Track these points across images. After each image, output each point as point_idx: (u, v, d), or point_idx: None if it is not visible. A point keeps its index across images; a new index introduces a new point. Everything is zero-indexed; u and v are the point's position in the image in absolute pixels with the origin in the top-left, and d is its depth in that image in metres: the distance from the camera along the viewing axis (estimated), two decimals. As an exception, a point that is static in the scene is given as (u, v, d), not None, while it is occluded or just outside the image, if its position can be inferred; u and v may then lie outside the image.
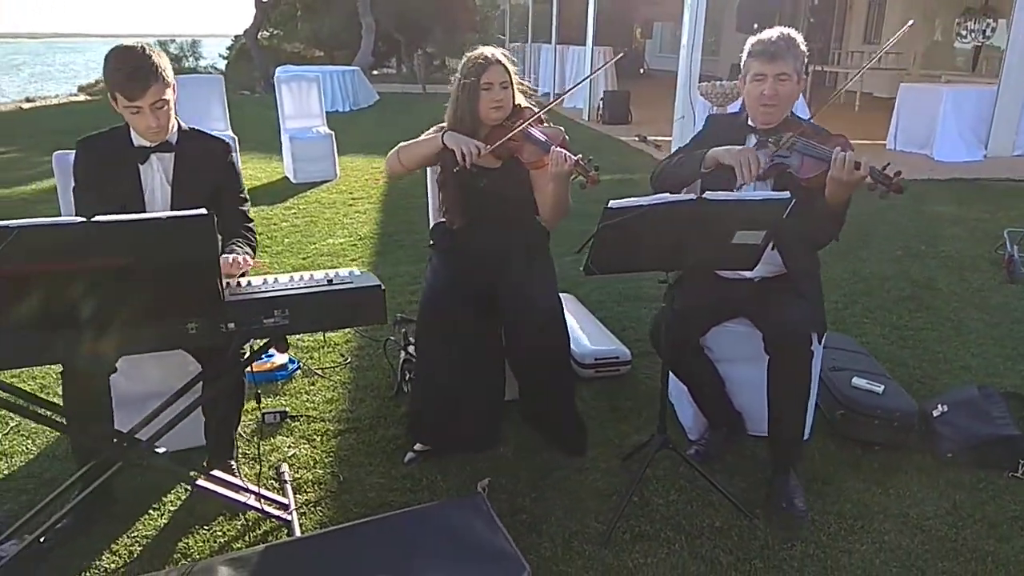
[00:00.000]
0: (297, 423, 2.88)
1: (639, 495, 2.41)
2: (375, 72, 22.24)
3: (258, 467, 2.53)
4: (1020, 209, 6.02)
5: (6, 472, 2.55)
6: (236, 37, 26.91)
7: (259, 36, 24.80)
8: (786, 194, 1.99)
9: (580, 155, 2.45)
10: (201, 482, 2.18)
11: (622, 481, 2.51)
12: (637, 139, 9.95)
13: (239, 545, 2.20)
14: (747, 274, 2.53)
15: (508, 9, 20.73)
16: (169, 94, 2.24)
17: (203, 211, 1.72)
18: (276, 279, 2.11)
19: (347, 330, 3.64)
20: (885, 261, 4.80)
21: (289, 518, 2.29)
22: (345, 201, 6.69)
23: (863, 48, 17.09)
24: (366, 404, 3.02)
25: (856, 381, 2.81)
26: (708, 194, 1.97)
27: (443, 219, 2.86)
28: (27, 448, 2.69)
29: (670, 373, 2.58)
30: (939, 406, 2.78)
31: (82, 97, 18.07)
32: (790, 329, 2.32)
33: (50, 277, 1.68)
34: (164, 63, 2.22)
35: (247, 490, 2.32)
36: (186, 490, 2.45)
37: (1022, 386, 3.13)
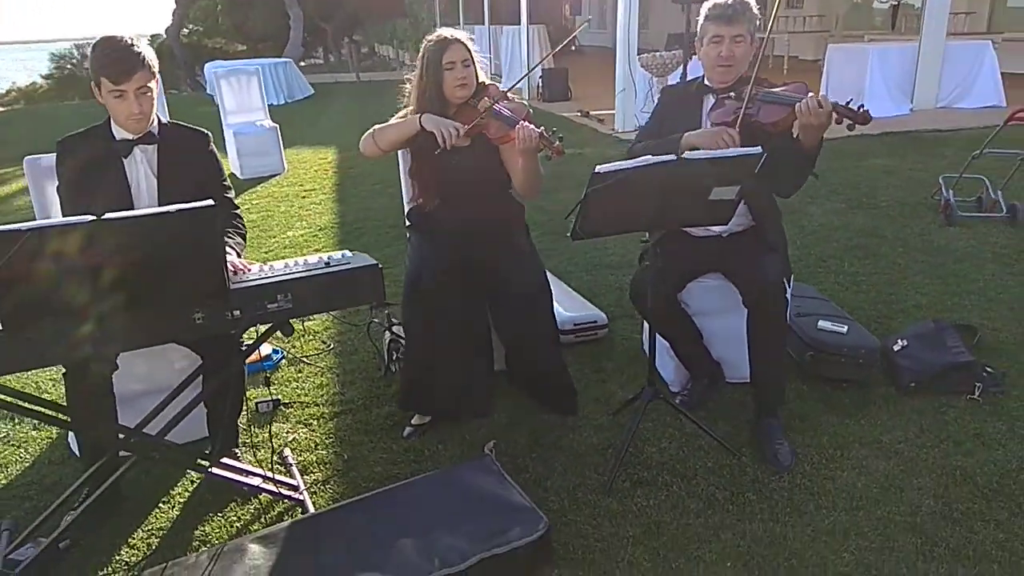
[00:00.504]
0: (291, 410, 2.93)
1: (633, 446, 2.54)
2: (302, 63, 21.88)
3: (263, 452, 2.57)
4: (949, 157, 6.35)
5: (4, 482, 2.54)
6: (153, 36, 26.11)
7: (180, 33, 24.12)
8: (758, 149, 2.11)
9: (543, 128, 2.54)
10: (216, 469, 2.22)
11: (615, 435, 2.64)
12: (580, 114, 10.09)
13: (256, 527, 2.25)
14: (717, 230, 2.67)
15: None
16: (153, 85, 2.28)
17: (209, 202, 1.76)
18: (272, 266, 2.16)
19: (326, 317, 3.68)
20: (831, 213, 5.04)
21: (302, 498, 2.35)
22: (297, 194, 6.65)
23: (786, 13, 17.53)
24: (356, 386, 3.08)
25: (822, 324, 2.99)
26: (686, 154, 2.09)
27: (417, 202, 2.92)
28: (21, 457, 2.68)
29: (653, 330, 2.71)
30: (899, 341, 2.98)
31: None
32: (767, 282, 2.46)
33: (61, 276, 1.70)
34: (150, 55, 2.25)
35: (257, 474, 2.37)
36: (193, 482, 2.48)
37: (971, 318, 3.36)
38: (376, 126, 2.82)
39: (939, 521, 2.16)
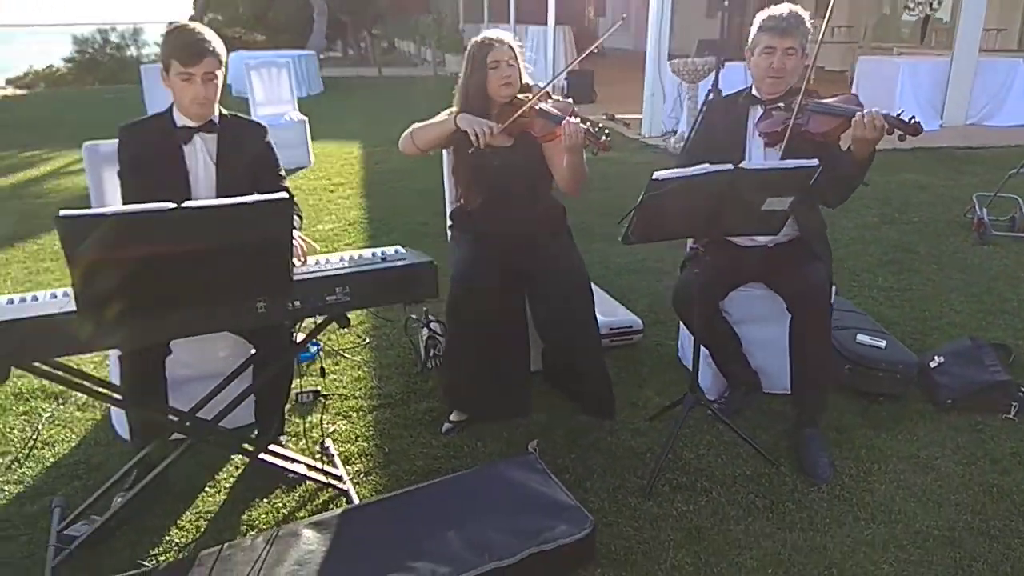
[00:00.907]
0: (329, 402, 2.96)
1: (672, 451, 2.56)
2: (321, 56, 22.02)
3: (303, 442, 2.62)
4: (980, 175, 6.34)
5: (52, 460, 2.59)
6: (171, 24, 26.22)
7: (202, 21, 24.25)
8: (814, 161, 2.14)
9: (588, 124, 2.57)
10: (266, 456, 2.26)
11: (652, 440, 2.67)
12: (605, 117, 10.10)
13: (301, 515, 2.29)
14: (763, 240, 2.70)
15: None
16: (220, 73, 2.33)
17: (283, 195, 1.80)
18: (328, 259, 2.20)
19: (362, 312, 3.72)
20: (863, 227, 5.04)
21: (346, 487, 2.39)
22: (325, 187, 6.70)
23: (814, 21, 17.47)
24: (393, 381, 3.12)
25: (860, 338, 3.00)
26: (743, 164, 2.11)
27: (459, 202, 2.96)
28: (67, 437, 2.73)
29: (691, 337, 2.73)
30: (936, 357, 2.99)
31: (10, 91, 17.45)
32: (813, 289, 2.49)
33: (139, 261, 1.74)
34: (220, 45, 2.32)
35: (302, 462, 2.41)
36: (237, 468, 2.53)
37: (1005, 337, 3.37)
38: (415, 125, 2.85)
39: (977, 537, 2.17)
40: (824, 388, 2.62)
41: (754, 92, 2.68)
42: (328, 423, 2.81)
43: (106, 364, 3.01)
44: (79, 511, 2.19)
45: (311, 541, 1.93)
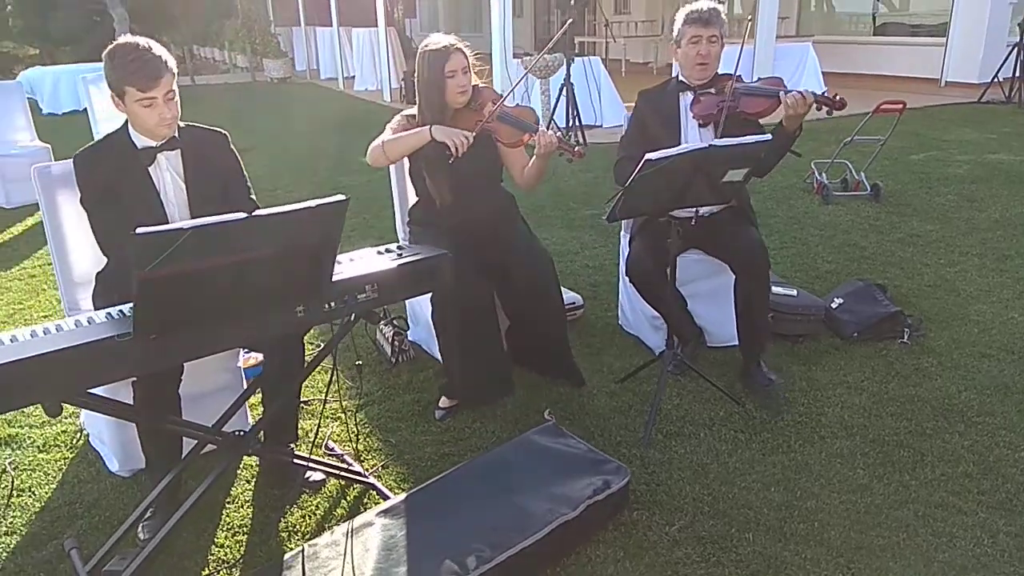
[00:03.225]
0: (309, 407, 2.97)
1: (649, 404, 2.85)
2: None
3: (307, 447, 2.63)
4: (810, 145, 7.21)
5: (39, 506, 2.43)
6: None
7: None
8: (767, 136, 2.50)
9: (560, 132, 2.80)
10: (300, 463, 2.29)
11: (628, 399, 2.94)
12: (451, 115, 10.30)
13: (338, 513, 2.34)
14: (702, 211, 3.04)
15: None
16: (175, 85, 2.27)
17: (342, 197, 1.86)
18: (338, 260, 2.25)
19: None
20: (726, 198, 5.64)
21: (371, 481, 2.45)
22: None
23: (617, 18, 18.66)
24: (367, 380, 3.17)
25: (775, 289, 3.44)
26: (716, 141, 2.43)
27: (416, 201, 3.09)
28: (44, 480, 2.56)
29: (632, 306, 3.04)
30: (835, 299, 3.51)
31: None
32: (754, 251, 2.87)
33: (205, 275, 1.74)
34: (168, 56, 2.23)
35: (325, 464, 2.45)
36: (248, 480, 2.51)
37: (874, 277, 3.97)
38: (384, 137, 2.92)
39: (917, 437, 2.64)
40: (767, 335, 3.02)
41: (682, 80, 3.01)
42: (320, 427, 2.83)
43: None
44: (107, 548, 2.10)
45: (389, 527, 2.01)
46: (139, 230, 1.59)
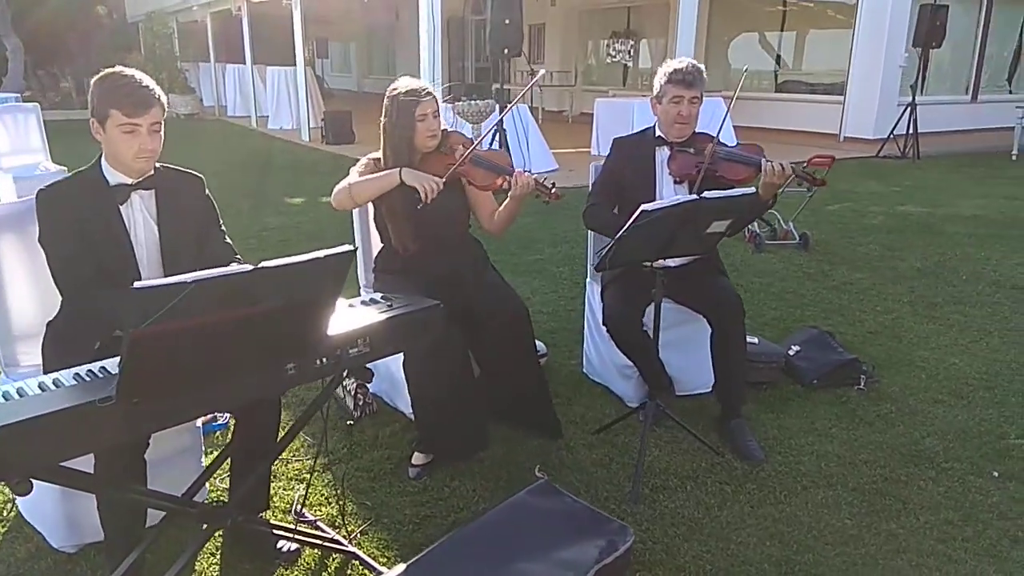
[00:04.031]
0: (275, 467, 2.76)
1: (629, 457, 2.80)
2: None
3: (273, 513, 2.43)
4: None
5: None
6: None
7: None
8: (752, 189, 2.53)
9: (536, 175, 2.77)
10: (281, 533, 2.10)
11: (607, 451, 2.88)
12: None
13: (321, 587, 2.15)
14: (671, 263, 3.04)
15: (176, 27, 19.34)
16: (163, 120, 2.15)
17: (349, 247, 1.74)
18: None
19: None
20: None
21: (356, 551, 2.27)
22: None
23: (529, 67, 19.05)
24: (330, 437, 2.98)
25: (737, 337, 3.49)
26: (706, 194, 2.43)
27: (381, 247, 2.98)
28: (-31, 561, 2.25)
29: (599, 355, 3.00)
30: (792, 346, 3.58)
31: None
32: (729, 301, 2.90)
33: (202, 331, 1.58)
34: (160, 91, 2.15)
35: (298, 532, 2.26)
36: (213, 553, 2.28)
37: (820, 323, 4.09)
38: (350, 180, 2.82)
39: (893, 484, 2.68)
40: (745, 384, 3.04)
41: (659, 134, 3.03)
42: (285, 489, 2.63)
43: None
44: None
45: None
46: (137, 284, 1.44)
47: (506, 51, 7.25)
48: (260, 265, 1.57)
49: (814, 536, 2.40)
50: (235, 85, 16.62)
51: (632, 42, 17.04)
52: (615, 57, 17.68)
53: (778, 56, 13.94)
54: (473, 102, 7.49)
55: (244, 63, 15.16)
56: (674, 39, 10.42)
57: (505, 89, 8.34)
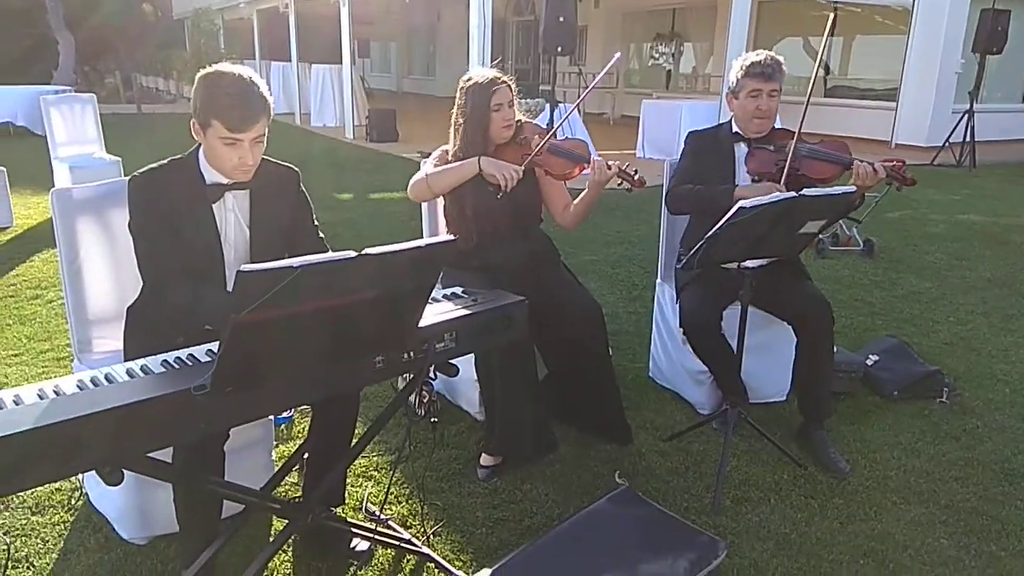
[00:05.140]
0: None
1: (706, 466, 2.69)
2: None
3: (343, 510, 2.36)
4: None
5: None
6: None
7: None
8: (852, 188, 2.40)
9: (617, 162, 2.67)
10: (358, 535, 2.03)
11: (682, 459, 2.77)
12: (419, 155, 10.15)
13: (397, 590, 2.08)
14: (751, 264, 2.93)
15: (222, 24, 19.57)
16: (267, 128, 2.02)
17: (449, 236, 1.67)
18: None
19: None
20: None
21: (431, 553, 2.20)
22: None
23: (569, 69, 18.94)
24: (393, 433, 2.91)
25: (813, 345, 3.35)
26: (805, 191, 2.31)
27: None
28: (44, 548, 2.22)
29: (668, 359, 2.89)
30: (870, 356, 3.44)
31: None
32: (821, 307, 2.77)
33: (304, 319, 1.51)
34: (268, 94, 1.99)
35: (375, 532, 2.19)
36: (285, 551, 2.21)
37: (893, 333, 3.93)
38: (428, 171, 2.76)
39: (990, 503, 2.54)
40: (831, 396, 2.90)
41: (736, 130, 2.92)
42: (352, 486, 2.56)
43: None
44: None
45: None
46: (243, 267, 1.36)
47: (559, 49, 7.15)
48: (364, 252, 1.50)
49: (910, 556, 2.27)
50: (279, 82, 16.73)
51: (676, 45, 16.86)
52: (658, 60, 17.53)
53: (827, 65, 13.67)
54: (524, 101, 7.40)
55: (289, 60, 15.24)
56: (722, 41, 10.27)
57: (546, 90, 8.25)
